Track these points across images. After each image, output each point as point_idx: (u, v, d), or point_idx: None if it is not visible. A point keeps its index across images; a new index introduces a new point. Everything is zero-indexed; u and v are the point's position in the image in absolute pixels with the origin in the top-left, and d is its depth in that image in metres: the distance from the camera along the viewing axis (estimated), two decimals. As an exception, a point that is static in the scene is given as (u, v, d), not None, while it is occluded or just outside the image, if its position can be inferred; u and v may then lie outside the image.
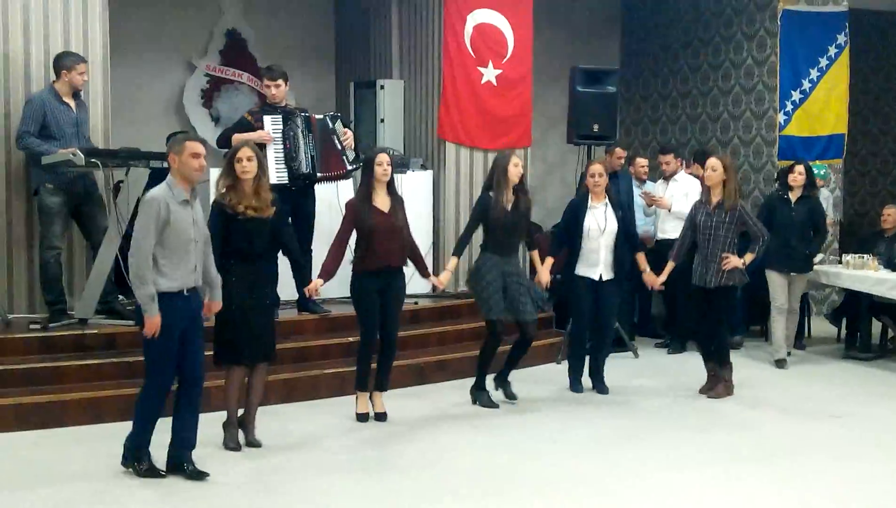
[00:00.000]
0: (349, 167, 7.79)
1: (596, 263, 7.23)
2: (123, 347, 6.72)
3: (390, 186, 6.41)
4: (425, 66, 9.55)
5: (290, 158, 7.52)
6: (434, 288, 7.09)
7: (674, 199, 8.87)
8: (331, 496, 5.06)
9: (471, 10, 9.17)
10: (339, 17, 11.35)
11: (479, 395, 6.95)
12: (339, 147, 7.75)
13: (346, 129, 7.89)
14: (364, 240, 6.28)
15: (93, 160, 6.64)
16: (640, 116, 12.43)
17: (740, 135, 10.96)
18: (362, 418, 6.44)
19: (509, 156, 6.87)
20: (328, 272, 6.25)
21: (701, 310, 7.37)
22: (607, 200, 7.27)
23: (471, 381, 7.15)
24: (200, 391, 5.30)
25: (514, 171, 6.77)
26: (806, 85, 10.51)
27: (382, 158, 6.35)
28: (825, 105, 10.61)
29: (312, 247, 7.59)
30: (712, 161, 7.27)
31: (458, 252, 6.91)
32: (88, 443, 5.68)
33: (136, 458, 5.16)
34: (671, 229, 8.75)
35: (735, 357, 8.76)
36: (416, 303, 8.48)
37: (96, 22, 7.50)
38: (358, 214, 6.26)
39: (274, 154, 7.50)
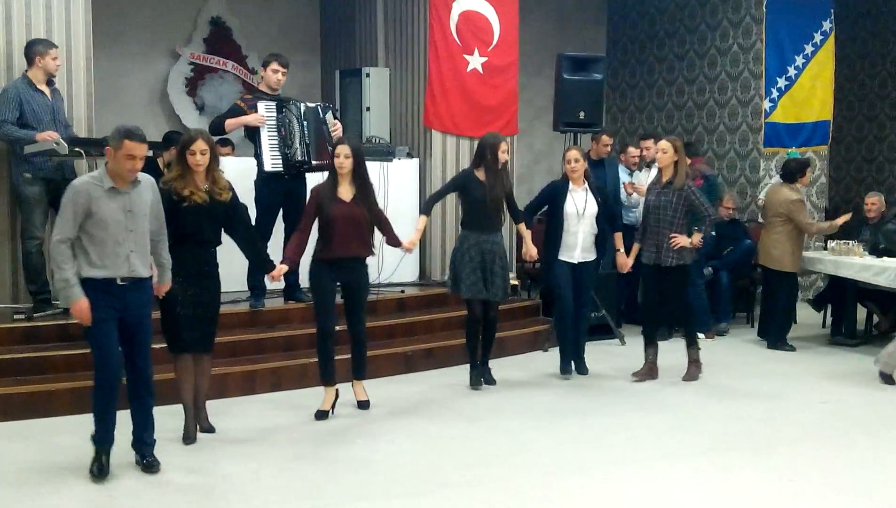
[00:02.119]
0: (316, 163, 7.70)
1: (574, 246, 7.32)
2: (109, 337, 6.69)
3: (359, 175, 6.21)
4: (411, 53, 9.52)
5: (285, 144, 7.48)
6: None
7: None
8: (316, 485, 5.05)
9: (456, -3, 9.14)
10: (325, 4, 11.30)
11: (470, 373, 7.13)
12: (328, 137, 7.71)
13: (336, 120, 7.85)
14: (323, 229, 6.16)
15: (77, 149, 6.60)
16: (626, 103, 12.43)
17: (726, 122, 10.97)
18: (321, 415, 6.21)
19: (500, 140, 6.97)
20: (291, 260, 6.13)
21: (657, 288, 7.42)
22: (587, 184, 7.34)
23: (457, 369, 7.40)
24: (149, 387, 5.10)
25: (502, 156, 6.92)
26: (791, 72, 10.53)
27: (340, 149, 6.17)
28: (810, 92, 10.65)
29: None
30: (663, 143, 7.33)
31: (426, 211, 7.07)
32: (73, 433, 5.64)
33: (94, 456, 5.02)
34: None
35: (722, 345, 8.85)
36: (402, 292, 8.47)
37: (79, 10, 7.43)
38: (319, 203, 6.14)
39: (268, 141, 7.45)
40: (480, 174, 6.91)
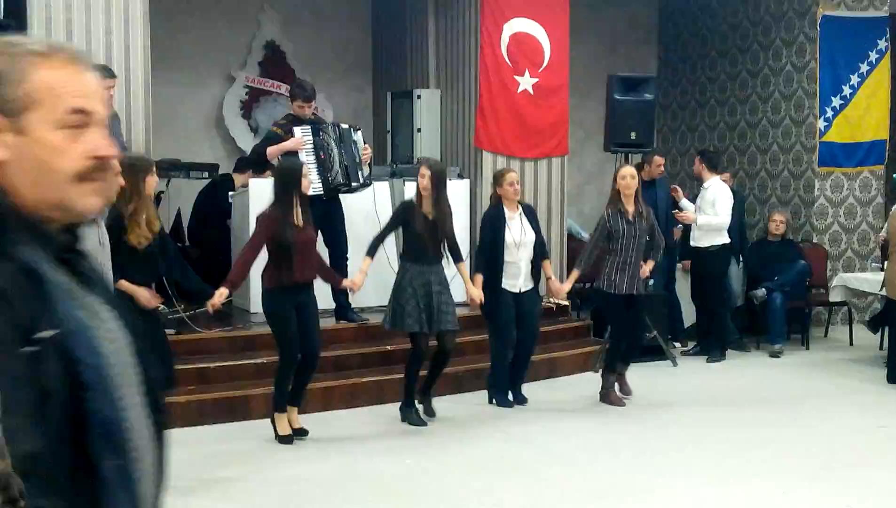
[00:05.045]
0: (361, 181, 7.73)
1: (517, 275, 7.06)
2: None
3: (303, 199, 6.13)
4: (462, 75, 9.58)
5: (325, 168, 7.53)
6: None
7: (700, 210, 8.85)
8: (364, 500, 5.08)
9: (507, 19, 9.19)
10: (377, 27, 11.43)
11: (406, 412, 6.72)
12: (357, 160, 7.73)
13: (366, 144, 7.84)
14: (279, 256, 5.95)
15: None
16: (677, 123, 12.38)
17: (780, 142, 10.87)
18: (287, 440, 6.11)
19: (420, 166, 6.75)
20: (234, 284, 5.98)
21: (625, 319, 7.29)
22: (521, 209, 7.15)
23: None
24: None
25: (420, 181, 6.58)
26: (846, 91, 10.41)
27: (305, 170, 6.20)
28: (866, 111, 10.51)
29: (348, 255, 7.61)
30: (631, 169, 7.24)
31: (371, 253, 6.63)
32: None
33: None
34: (700, 237, 8.81)
35: (775, 369, 8.74)
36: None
37: (138, 35, 7.60)
38: (275, 229, 5.93)
39: (306, 165, 7.51)
40: (418, 203, 6.61)
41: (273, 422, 6.14)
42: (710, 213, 8.78)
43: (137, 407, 1.48)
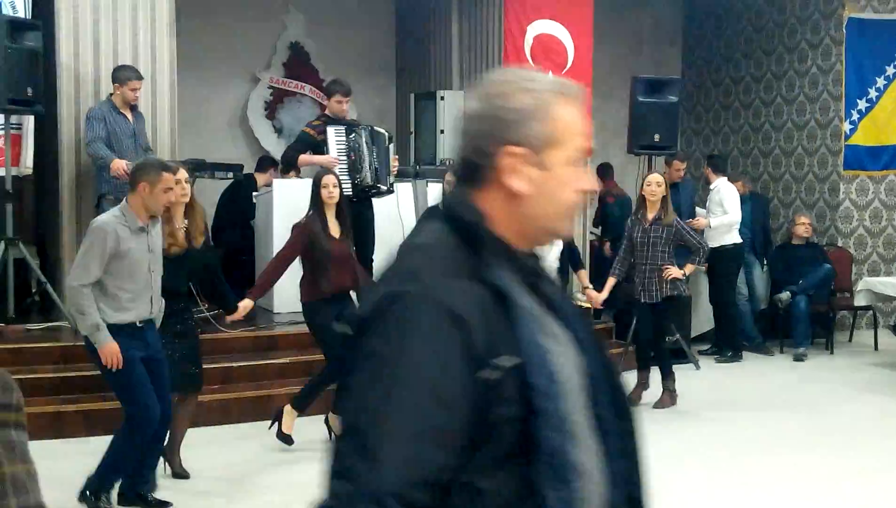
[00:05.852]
0: (387, 187, 7.73)
1: None
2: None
3: (339, 209, 5.98)
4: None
5: (354, 169, 7.53)
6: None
7: (710, 211, 8.88)
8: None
9: (531, 20, 9.19)
10: (401, 29, 11.46)
11: None
12: (387, 165, 7.76)
13: (396, 155, 7.90)
14: (317, 266, 5.84)
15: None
16: (701, 125, 12.33)
17: (804, 144, 10.81)
18: (287, 439, 5.93)
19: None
20: (257, 296, 5.90)
21: (650, 324, 7.30)
22: None
23: None
24: (168, 429, 5.01)
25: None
26: (872, 94, 10.34)
27: (328, 179, 5.93)
28: (892, 114, 10.42)
29: (374, 257, 7.63)
30: (657, 177, 7.22)
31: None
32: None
33: (95, 496, 4.72)
34: (711, 237, 8.82)
35: (799, 372, 8.69)
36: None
37: (164, 37, 7.67)
38: (311, 240, 5.83)
39: (337, 166, 7.54)
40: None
41: (281, 414, 5.97)
42: (719, 213, 8.82)
43: (585, 432, 1.48)
